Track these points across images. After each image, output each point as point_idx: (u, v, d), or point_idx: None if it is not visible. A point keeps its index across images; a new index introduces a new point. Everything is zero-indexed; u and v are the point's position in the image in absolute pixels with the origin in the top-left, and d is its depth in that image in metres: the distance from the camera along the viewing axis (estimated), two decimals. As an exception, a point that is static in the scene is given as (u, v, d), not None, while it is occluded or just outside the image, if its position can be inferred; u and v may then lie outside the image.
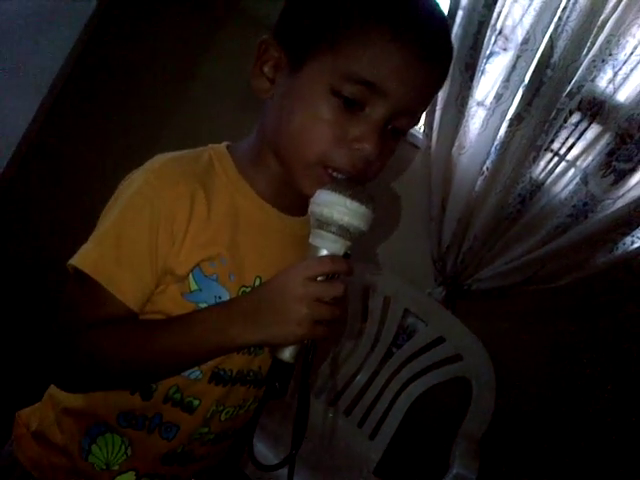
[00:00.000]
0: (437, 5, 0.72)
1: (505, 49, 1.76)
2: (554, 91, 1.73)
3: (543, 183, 1.79)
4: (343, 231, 0.67)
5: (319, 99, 0.67)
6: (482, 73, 1.76)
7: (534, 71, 1.73)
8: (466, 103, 1.74)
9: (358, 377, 1.82)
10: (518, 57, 1.72)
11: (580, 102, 1.75)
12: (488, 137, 1.77)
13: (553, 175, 1.79)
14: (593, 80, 1.73)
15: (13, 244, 1.73)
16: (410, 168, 1.87)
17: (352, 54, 0.66)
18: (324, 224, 0.68)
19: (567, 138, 1.77)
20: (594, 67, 1.71)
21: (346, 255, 0.69)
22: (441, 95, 1.76)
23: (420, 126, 1.87)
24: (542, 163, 1.79)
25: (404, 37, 0.65)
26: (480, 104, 1.79)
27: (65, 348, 0.69)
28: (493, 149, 1.79)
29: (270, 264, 0.73)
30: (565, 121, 1.76)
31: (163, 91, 1.76)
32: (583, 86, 1.73)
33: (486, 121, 1.77)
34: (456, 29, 1.71)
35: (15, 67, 1.47)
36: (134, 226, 0.69)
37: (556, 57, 1.71)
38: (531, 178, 1.79)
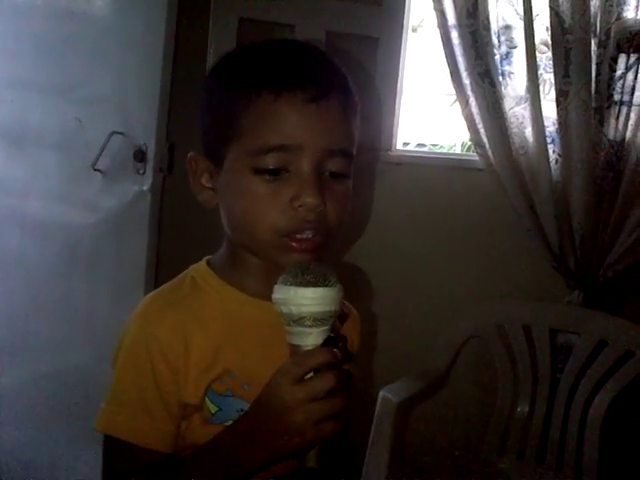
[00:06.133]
0: (298, 44, 0.77)
1: (514, 45, 1.71)
2: (583, 51, 1.62)
3: (624, 139, 1.63)
4: (313, 321, 0.65)
5: (247, 183, 0.72)
6: (503, 75, 1.71)
7: (554, 46, 1.64)
8: (499, 108, 1.68)
9: (534, 419, 1.66)
10: (530, 46, 1.65)
11: (617, 46, 1.62)
12: (541, 126, 1.67)
13: (630, 127, 1.63)
14: (619, 18, 1.62)
15: None
16: (479, 192, 1.80)
17: (252, 131, 0.71)
18: (291, 321, 0.66)
19: (623, 84, 1.62)
20: (610, 5, 1.60)
21: (328, 340, 0.66)
22: (475, 111, 1.72)
23: (472, 150, 1.83)
24: (612, 120, 1.64)
25: (279, 90, 0.70)
26: (517, 103, 1.71)
27: None
28: (554, 133, 1.69)
29: (279, 358, 0.70)
30: (613, 70, 1.64)
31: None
32: (610, 29, 1.61)
33: (531, 116, 1.68)
34: (456, 50, 1.71)
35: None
36: (138, 376, 0.73)
37: (567, 20, 1.62)
38: (608, 140, 1.64)
